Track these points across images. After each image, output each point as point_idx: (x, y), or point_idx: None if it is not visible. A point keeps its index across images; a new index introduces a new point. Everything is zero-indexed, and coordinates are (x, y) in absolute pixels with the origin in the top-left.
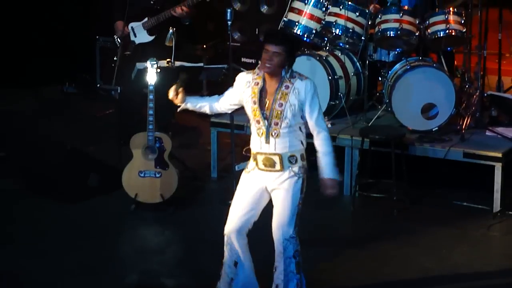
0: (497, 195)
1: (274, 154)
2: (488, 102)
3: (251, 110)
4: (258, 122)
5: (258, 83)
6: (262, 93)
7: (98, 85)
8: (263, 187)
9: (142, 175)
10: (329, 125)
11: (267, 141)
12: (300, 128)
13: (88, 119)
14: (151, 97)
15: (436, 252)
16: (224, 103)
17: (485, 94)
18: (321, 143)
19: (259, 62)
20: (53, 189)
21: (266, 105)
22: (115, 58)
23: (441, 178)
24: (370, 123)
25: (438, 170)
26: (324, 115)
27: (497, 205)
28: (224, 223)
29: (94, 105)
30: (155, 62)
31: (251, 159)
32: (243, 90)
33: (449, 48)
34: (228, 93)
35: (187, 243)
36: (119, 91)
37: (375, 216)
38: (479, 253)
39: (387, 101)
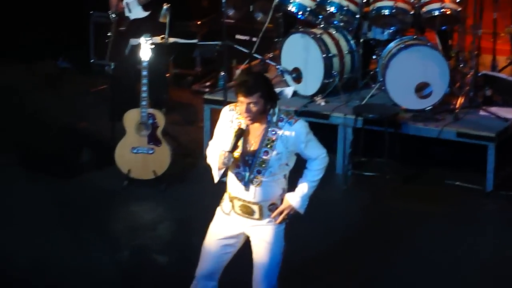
0: (489, 175)
1: (254, 203)
2: (482, 82)
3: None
4: (237, 166)
5: (240, 124)
6: (245, 136)
7: (92, 60)
8: (241, 232)
9: (135, 151)
10: (323, 103)
11: (247, 189)
12: (284, 175)
13: (82, 94)
14: (144, 73)
15: (428, 231)
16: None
17: (479, 74)
18: (313, 170)
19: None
20: (46, 165)
21: (250, 151)
22: (109, 34)
23: (434, 158)
24: (364, 102)
25: (431, 149)
26: (318, 93)
27: (489, 185)
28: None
29: (88, 80)
30: (149, 38)
31: (227, 198)
32: (225, 129)
33: (443, 27)
34: (220, 138)
35: (178, 219)
36: (112, 67)
37: (368, 195)
38: (473, 232)
39: (381, 79)
